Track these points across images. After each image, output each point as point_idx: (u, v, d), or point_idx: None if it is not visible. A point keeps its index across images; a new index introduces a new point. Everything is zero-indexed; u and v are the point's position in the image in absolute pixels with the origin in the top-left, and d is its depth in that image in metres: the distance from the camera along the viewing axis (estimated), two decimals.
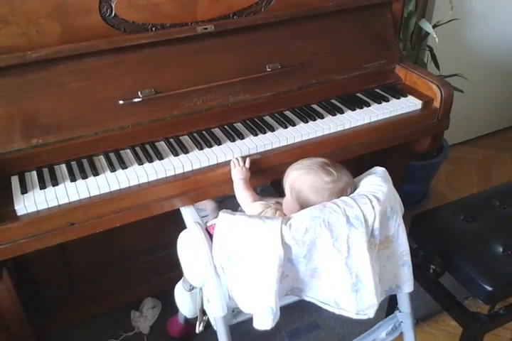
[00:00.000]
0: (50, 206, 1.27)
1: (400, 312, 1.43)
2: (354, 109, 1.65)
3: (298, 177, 1.23)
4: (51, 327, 1.79)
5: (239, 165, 1.41)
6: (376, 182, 1.23)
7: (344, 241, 1.13)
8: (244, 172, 1.41)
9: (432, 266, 1.48)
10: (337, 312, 1.23)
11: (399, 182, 2.01)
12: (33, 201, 1.26)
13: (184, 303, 1.58)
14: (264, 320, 1.14)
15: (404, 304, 1.40)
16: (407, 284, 1.31)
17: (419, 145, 1.85)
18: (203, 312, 1.43)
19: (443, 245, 1.52)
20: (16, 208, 1.25)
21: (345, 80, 1.74)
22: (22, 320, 1.52)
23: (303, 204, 1.21)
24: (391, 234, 1.22)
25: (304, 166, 1.25)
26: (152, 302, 1.92)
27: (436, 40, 2.03)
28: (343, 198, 1.17)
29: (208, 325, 1.42)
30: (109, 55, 1.42)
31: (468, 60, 2.55)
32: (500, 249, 1.47)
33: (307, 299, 1.25)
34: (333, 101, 1.70)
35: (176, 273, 1.60)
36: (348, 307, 1.20)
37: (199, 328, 1.45)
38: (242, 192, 1.38)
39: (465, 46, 2.56)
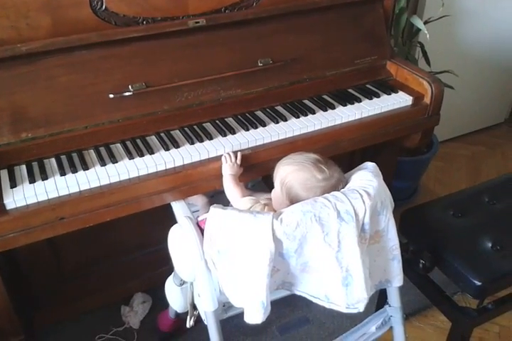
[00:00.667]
0: (39, 200, 1.27)
1: (389, 306, 1.44)
2: (345, 105, 1.65)
3: (289, 174, 1.23)
4: (41, 322, 1.78)
5: (230, 160, 1.41)
6: (367, 177, 1.23)
7: (335, 236, 1.13)
8: (235, 168, 1.41)
9: (421, 261, 1.49)
10: (327, 306, 1.23)
11: (389, 177, 2.02)
12: (23, 195, 1.25)
13: (175, 298, 1.58)
14: (255, 314, 1.14)
15: (393, 298, 1.41)
16: (396, 278, 1.31)
17: (410, 141, 1.86)
18: (194, 307, 1.43)
19: (432, 240, 1.53)
20: (5, 202, 1.24)
21: (337, 76, 1.74)
22: (11, 314, 1.51)
23: (293, 200, 1.21)
24: (381, 229, 1.23)
25: (296, 162, 1.24)
26: (142, 297, 1.91)
27: (428, 36, 2.03)
28: (334, 193, 1.17)
29: (198, 320, 1.42)
30: (99, 48, 1.41)
31: (458, 56, 2.57)
32: (489, 244, 1.48)
33: (298, 293, 1.25)
34: (324, 96, 1.70)
35: (166, 268, 1.60)
36: (339, 301, 1.21)
37: (190, 323, 1.45)
38: (231, 188, 1.38)
39: (456, 43, 2.57)
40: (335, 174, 1.23)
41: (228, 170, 1.40)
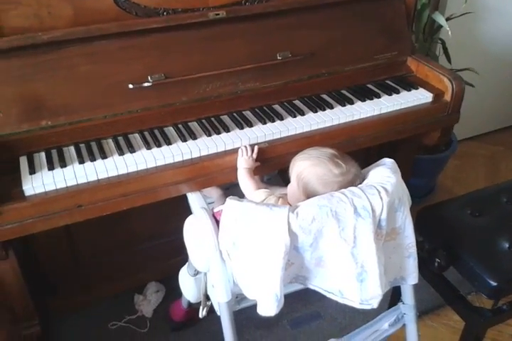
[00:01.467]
0: (58, 187, 1.28)
1: (403, 304, 1.42)
2: (364, 100, 1.64)
3: (306, 169, 1.22)
4: (55, 309, 1.80)
5: (246, 154, 1.41)
6: (385, 174, 1.22)
7: (351, 231, 1.13)
8: (250, 162, 1.40)
9: (436, 260, 1.47)
10: (341, 301, 1.22)
11: (407, 175, 2.00)
12: (41, 182, 1.27)
13: (188, 288, 1.59)
14: (269, 307, 1.14)
15: (408, 296, 1.40)
16: (412, 276, 1.30)
17: (428, 139, 1.84)
18: (207, 298, 1.43)
19: (449, 239, 1.51)
20: (23, 188, 1.25)
21: (356, 71, 1.73)
22: (27, 300, 1.53)
23: (310, 195, 1.20)
24: (398, 226, 1.22)
25: (313, 157, 1.23)
26: (156, 286, 1.93)
27: (449, 33, 2.01)
28: (351, 188, 1.16)
29: (211, 310, 1.43)
30: (120, 38, 1.41)
31: (480, 54, 2.53)
32: (507, 245, 1.46)
33: (311, 287, 1.25)
34: (343, 91, 1.69)
35: (180, 258, 1.61)
36: (352, 296, 1.20)
37: (202, 313, 1.45)
38: (245, 181, 1.38)
39: (477, 40, 2.53)
40: (352, 169, 1.22)
41: (243, 164, 1.40)
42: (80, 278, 1.80)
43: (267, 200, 1.28)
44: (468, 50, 2.45)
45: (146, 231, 1.83)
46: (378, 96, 1.66)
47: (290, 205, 1.15)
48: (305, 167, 1.22)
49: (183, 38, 1.49)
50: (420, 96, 1.68)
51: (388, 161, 1.28)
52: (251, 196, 1.34)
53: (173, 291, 1.73)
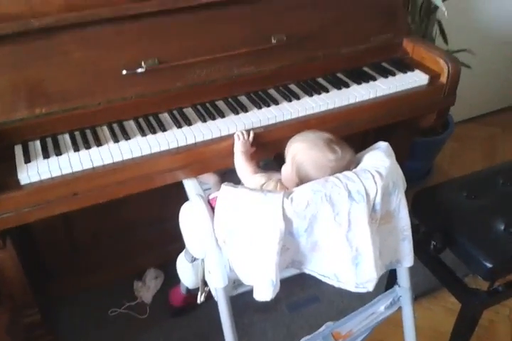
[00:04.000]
0: (53, 176, 1.28)
1: (399, 286, 1.44)
2: (360, 83, 1.63)
3: (301, 150, 1.22)
4: (54, 297, 1.81)
5: (243, 138, 1.40)
6: (379, 157, 1.22)
7: (345, 216, 1.13)
8: (246, 145, 1.40)
9: (432, 242, 1.48)
10: (336, 285, 1.23)
11: (403, 158, 2.00)
12: (37, 170, 1.26)
13: (186, 274, 1.59)
14: (265, 292, 1.15)
15: (403, 279, 1.41)
16: (407, 259, 1.31)
17: (425, 121, 1.83)
18: (205, 283, 1.44)
19: (445, 221, 1.52)
20: (19, 177, 1.25)
21: (352, 53, 1.71)
22: (26, 289, 1.54)
23: (302, 177, 1.20)
24: (392, 209, 1.22)
25: (309, 140, 1.23)
26: (155, 272, 1.94)
27: (446, 13, 1.98)
28: (346, 173, 1.16)
29: (209, 296, 1.44)
30: (112, 23, 1.39)
31: (476, 35, 2.51)
32: (502, 227, 1.47)
33: (307, 272, 1.26)
34: (338, 74, 1.68)
35: (178, 244, 1.61)
36: (348, 280, 1.21)
37: (200, 299, 1.47)
38: (243, 165, 1.38)
39: (474, 21, 2.50)
40: (346, 156, 1.21)
41: (240, 148, 1.40)
42: (79, 264, 1.81)
43: (266, 185, 1.28)
44: (465, 31, 2.42)
45: (145, 218, 1.84)
46: (374, 79, 1.65)
47: (287, 189, 1.15)
48: (300, 149, 1.22)
49: (176, 22, 1.47)
50: (416, 79, 1.66)
51: (383, 144, 1.28)
52: (248, 180, 1.34)
53: (172, 277, 1.74)
